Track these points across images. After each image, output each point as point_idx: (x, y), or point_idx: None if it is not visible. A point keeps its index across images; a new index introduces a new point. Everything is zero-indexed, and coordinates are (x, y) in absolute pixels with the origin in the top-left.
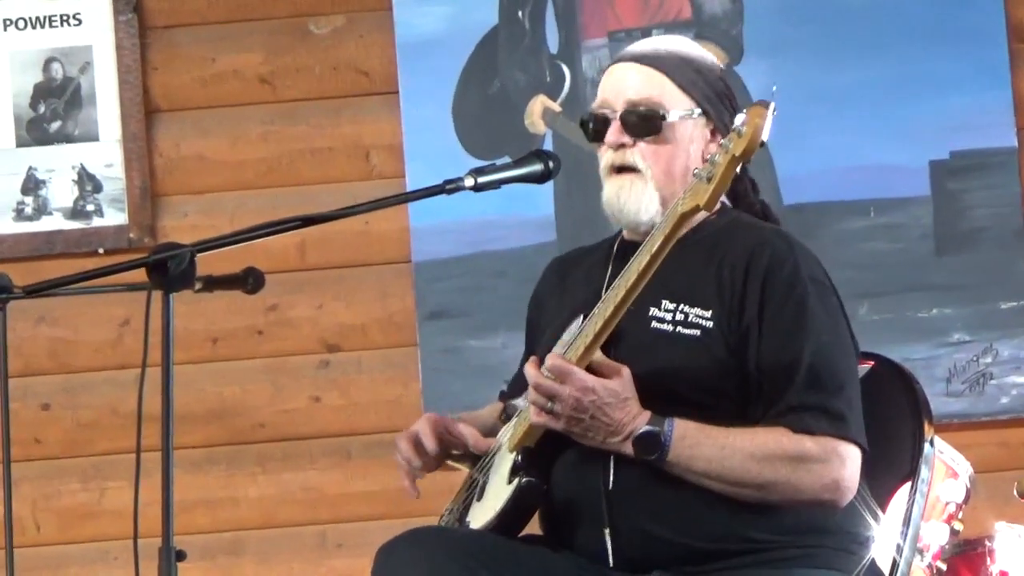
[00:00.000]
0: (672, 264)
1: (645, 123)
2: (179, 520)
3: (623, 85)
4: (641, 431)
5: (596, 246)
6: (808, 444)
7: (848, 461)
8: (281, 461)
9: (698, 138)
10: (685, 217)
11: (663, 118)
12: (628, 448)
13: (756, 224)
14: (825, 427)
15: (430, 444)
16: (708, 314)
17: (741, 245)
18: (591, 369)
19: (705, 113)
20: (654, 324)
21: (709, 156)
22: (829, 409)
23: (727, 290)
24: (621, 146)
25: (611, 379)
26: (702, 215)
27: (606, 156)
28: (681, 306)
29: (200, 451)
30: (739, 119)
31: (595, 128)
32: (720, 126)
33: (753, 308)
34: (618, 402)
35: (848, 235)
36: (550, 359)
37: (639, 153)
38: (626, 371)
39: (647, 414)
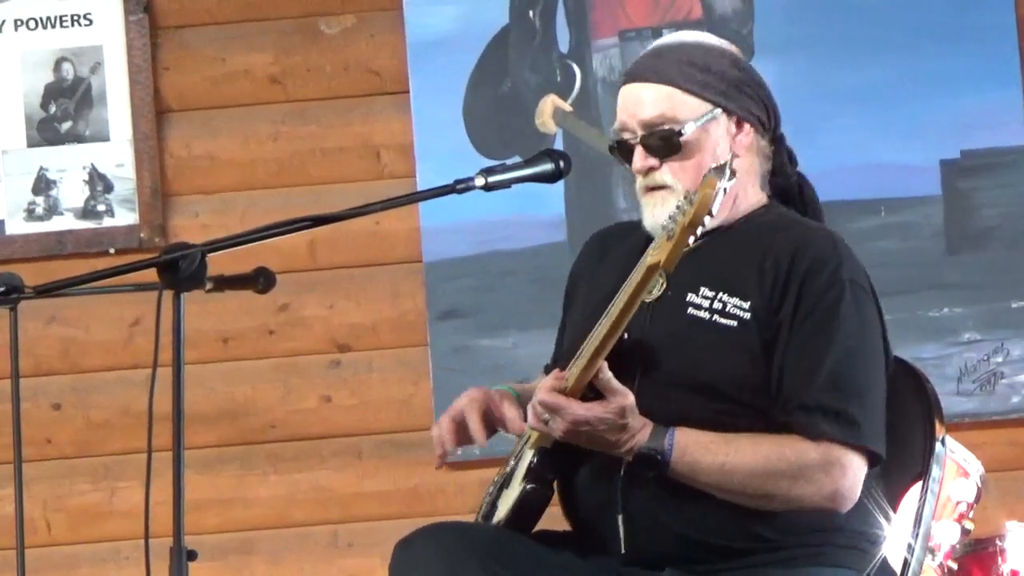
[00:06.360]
0: (713, 253)
1: (665, 144)
2: (190, 520)
3: (635, 107)
4: (639, 450)
5: (639, 225)
6: (811, 454)
7: (849, 471)
8: (292, 461)
9: (722, 136)
10: (652, 270)
11: (680, 134)
12: (630, 458)
13: (802, 222)
14: (835, 432)
15: (476, 429)
16: (746, 305)
17: (786, 241)
18: (592, 387)
19: (724, 109)
20: (691, 311)
21: (671, 214)
22: (843, 413)
23: (768, 283)
24: (650, 169)
25: (610, 403)
26: (751, 213)
27: (638, 180)
28: (720, 294)
29: (211, 451)
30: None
31: (622, 154)
32: (745, 114)
33: (789, 305)
34: (613, 428)
35: (859, 234)
36: (540, 393)
37: (668, 172)
38: (627, 398)
39: (647, 430)
